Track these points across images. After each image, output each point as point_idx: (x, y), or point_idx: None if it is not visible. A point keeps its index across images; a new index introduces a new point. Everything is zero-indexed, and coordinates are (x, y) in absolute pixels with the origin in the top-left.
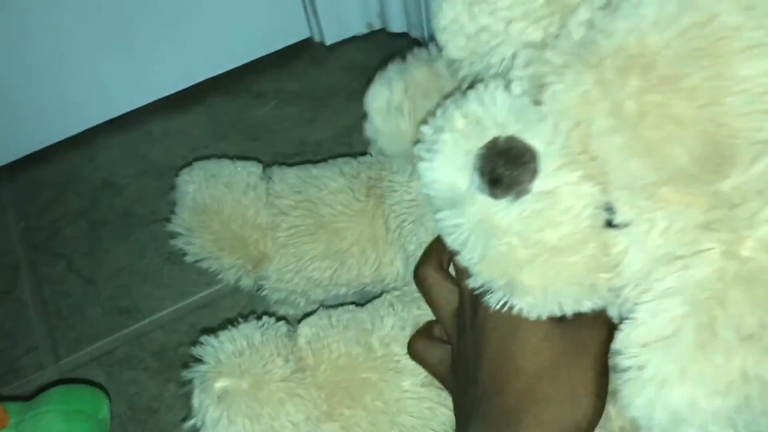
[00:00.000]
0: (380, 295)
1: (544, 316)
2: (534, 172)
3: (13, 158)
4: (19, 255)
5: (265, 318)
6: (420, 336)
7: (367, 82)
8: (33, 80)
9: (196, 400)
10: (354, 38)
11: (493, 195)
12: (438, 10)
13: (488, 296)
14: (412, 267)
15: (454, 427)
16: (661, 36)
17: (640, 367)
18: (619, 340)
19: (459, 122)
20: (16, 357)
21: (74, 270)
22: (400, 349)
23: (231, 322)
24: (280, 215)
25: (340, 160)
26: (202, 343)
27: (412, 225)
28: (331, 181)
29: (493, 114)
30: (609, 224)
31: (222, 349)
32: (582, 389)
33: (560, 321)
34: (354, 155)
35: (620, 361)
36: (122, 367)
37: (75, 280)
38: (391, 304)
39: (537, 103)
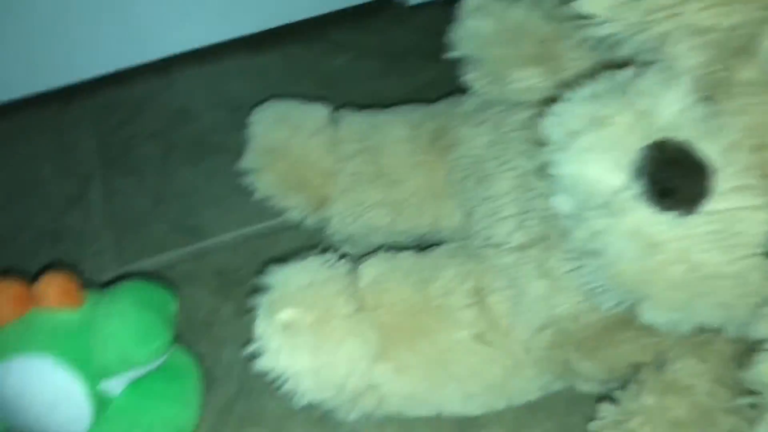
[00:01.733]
0: (439, 244)
1: (666, 328)
2: (709, 190)
3: (94, 75)
4: (93, 166)
5: (328, 255)
6: None
7: (444, 46)
8: (121, 2)
9: (259, 327)
10: (435, 2)
11: (661, 207)
12: None
13: (604, 296)
14: (470, 222)
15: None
16: None
17: None
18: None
19: (624, 114)
20: (82, 258)
21: (144, 186)
22: (457, 300)
23: (293, 254)
24: (343, 160)
25: (407, 108)
26: (269, 273)
27: (474, 181)
28: (396, 129)
29: (666, 111)
30: None
31: (290, 281)
32: None
33: None
34: None
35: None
36: (183, 281)
37: (144, 196)
38: (452, 256)
39: (713, 110)
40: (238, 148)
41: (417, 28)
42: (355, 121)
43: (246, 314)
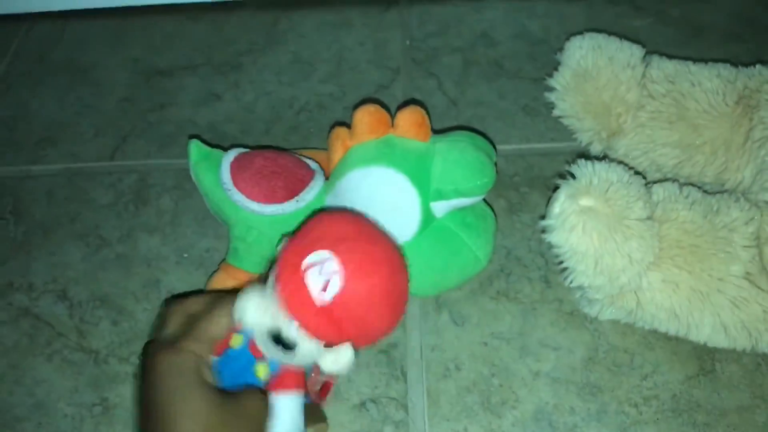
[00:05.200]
0: None
1: None
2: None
3: None
4: (400, 63)
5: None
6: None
7: (751, 32)
8: None
9: (558, 206)
10: None
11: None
12: None
13: None
14: (760, 179)
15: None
16: None
17: None
18: None
19: None
20: None
21: (442, 90)
22: (739, 238)
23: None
24: (648, 98)
25: (719, 64)
26: (577, 164)
27: None
28: (706, 80)
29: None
30: None
31: (597, 173)
32: None
33: (221, 391)
34: None
35: None
36: None
37: (441, 98)
38: (737, 200)
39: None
40: (531, 76)
41: (723, 9)
42: (666, 66)
43: (516, 212)
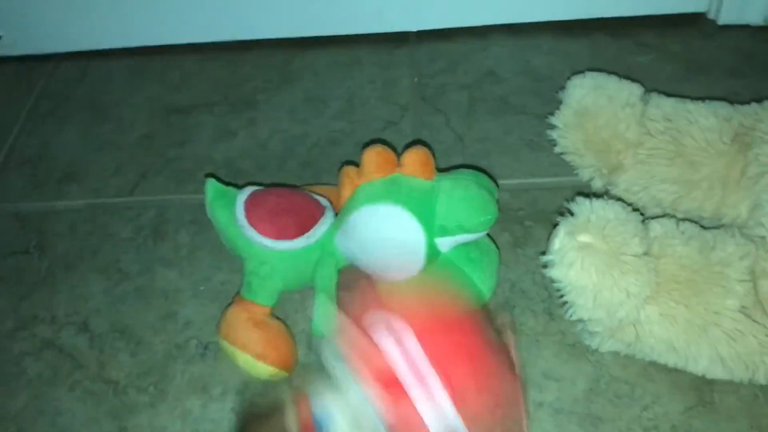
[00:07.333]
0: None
1: None
2: None
3: (420, 28)
4: (408, 100)
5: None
6: None
7: (750, 67)
8: None
9: (558, 242)
10: (747, 26)
11: None
12: None
13: None
14: (756, 214)
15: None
16: None
17: None
18: None
19: None
20: None
21: (450, 126)
22: (734, 272)
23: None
24: (646, 135)
25: (716, 103)
26: (577, 202)
27: None
28: (703, 118)
29: None
30: None
31: (594, 210)
32: None
33: None
34: None
35: None
36: None
37: (448, 133)
38: (732, 236)
39: None
40: (535, 112)
41: (723, 45)
42: (664, 104)
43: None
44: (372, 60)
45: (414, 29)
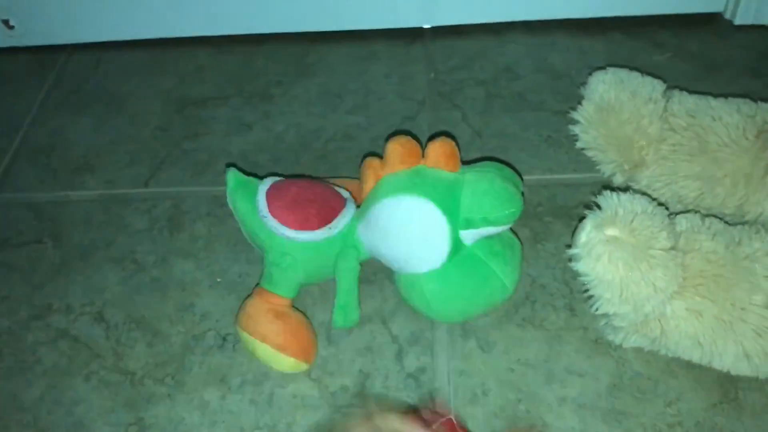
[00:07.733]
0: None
1: None
2: None
3: (437, 24)
4: (425, 95)
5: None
6: None
7: (766, 67)
8: None
9: (585, 235)
10: (763, 27)
11: None
12: None
13: None
14: None
15: None
16: None
17: None
18: None
19: None
20: None
21: (467, 121)
22: (761, 268)
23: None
24: (669, 131)
25: (738, 99)
26: (604, 196)
27: None
28: (726, 114)
29: None
30: None
31: (622, 204)
32: None
33: None
34: None
35: None
36: None
37: (465, 129)
38: (758, 232)
39: None
40: (553, 109)
41: (739, 45)
42: (687, 100)
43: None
44: (388, 55)
45: (428, 25)
